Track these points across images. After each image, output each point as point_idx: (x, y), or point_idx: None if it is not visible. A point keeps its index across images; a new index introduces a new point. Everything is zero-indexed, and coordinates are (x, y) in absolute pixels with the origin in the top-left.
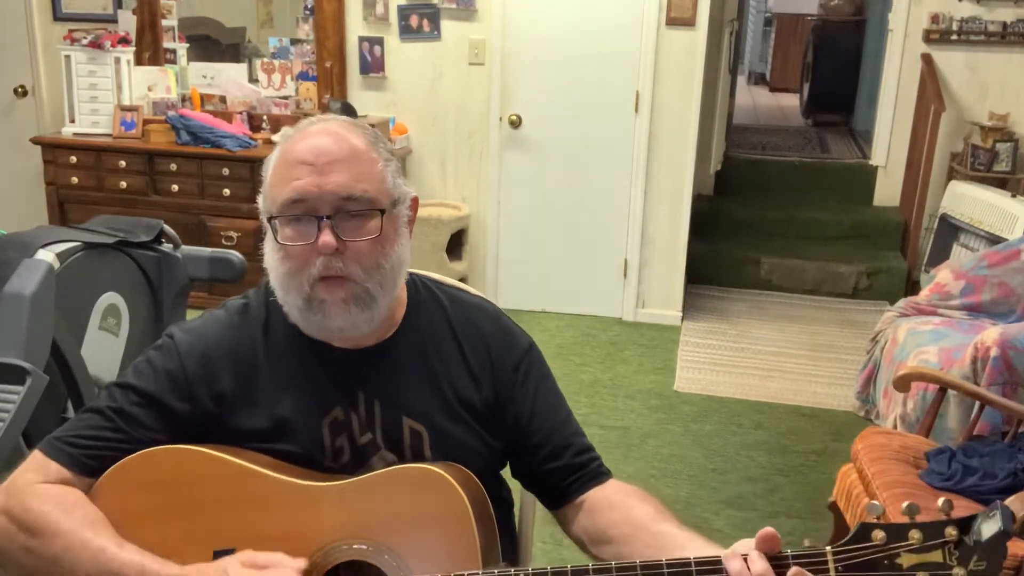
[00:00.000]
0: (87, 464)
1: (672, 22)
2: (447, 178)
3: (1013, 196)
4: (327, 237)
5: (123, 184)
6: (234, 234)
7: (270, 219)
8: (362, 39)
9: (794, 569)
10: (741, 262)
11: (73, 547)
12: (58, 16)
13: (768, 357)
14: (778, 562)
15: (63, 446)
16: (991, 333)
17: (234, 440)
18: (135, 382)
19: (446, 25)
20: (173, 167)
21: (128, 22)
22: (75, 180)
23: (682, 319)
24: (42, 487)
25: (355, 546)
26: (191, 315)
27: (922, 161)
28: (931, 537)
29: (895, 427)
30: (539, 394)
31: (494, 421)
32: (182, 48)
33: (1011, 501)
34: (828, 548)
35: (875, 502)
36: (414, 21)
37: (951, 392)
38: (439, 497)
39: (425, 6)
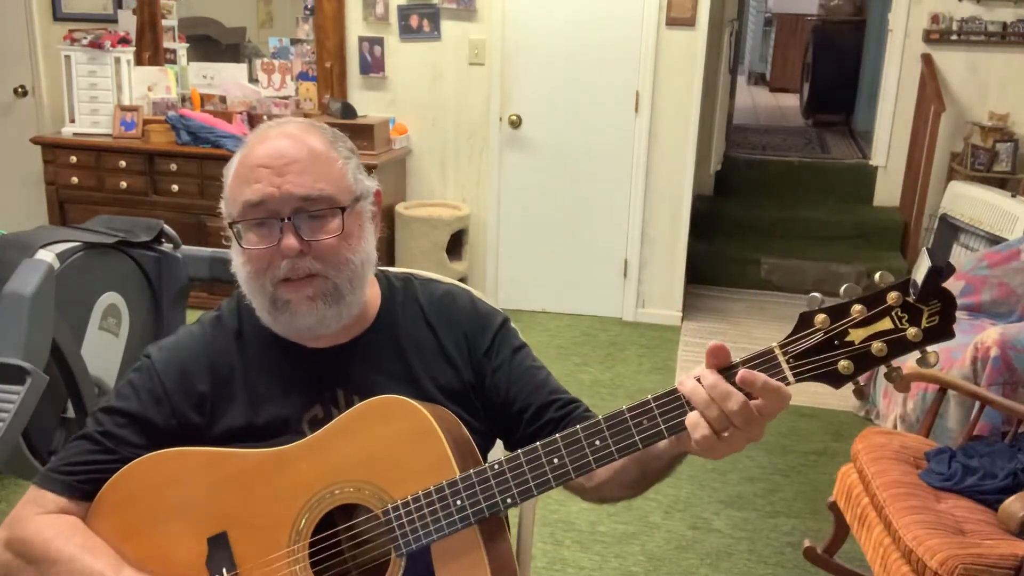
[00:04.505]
0: (82, 488)
1: (672, 22)
2: (447, 178)
3: (1013, 196)
4: (290, 240)
5: (123, 184)
6: None
7: (231, 224)
8: (362, 39)
9: (742, 372)
10: (741, 262)
11: (74, 572)
12: (58, 16)
13: None
14: (729, 372)
15: (57, 475)
16: (991, 333)
17: (218, 445)
18: (118, 404)
19: (446, 25)
20: (173, 167)
21: (128, 22)
22: (75, 180)
23: (682, 319)
24: (41, 517)
25: (336, 492)
26: (191, 315)
27: (922, 161)
28: (874, 306)
29: (895, 427)
30: (515, 361)
31: (478, 401)
32: (182, 48)
33: (1011, 501)
34: (775, 344)
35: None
36: (414, 21)
37: (951, 392)
38: (400, 417)
39: (425, 6)
